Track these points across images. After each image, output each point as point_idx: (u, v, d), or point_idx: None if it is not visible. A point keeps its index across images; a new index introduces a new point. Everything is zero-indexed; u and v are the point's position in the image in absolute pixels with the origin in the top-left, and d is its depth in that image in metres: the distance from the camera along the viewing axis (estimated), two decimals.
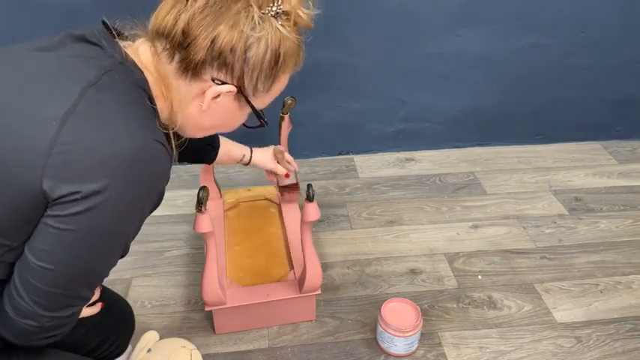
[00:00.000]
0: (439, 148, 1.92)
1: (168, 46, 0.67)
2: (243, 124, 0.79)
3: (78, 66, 0.66)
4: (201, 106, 0.71)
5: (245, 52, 0.66)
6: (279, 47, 0.68)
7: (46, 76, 0.65)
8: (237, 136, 1.57)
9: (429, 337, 1.21)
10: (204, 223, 1.02)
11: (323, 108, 1.77)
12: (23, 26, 1.48)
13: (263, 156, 1.28)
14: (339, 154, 1.90)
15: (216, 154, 1.18)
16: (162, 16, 0.66)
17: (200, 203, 0.99)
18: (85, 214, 0.60)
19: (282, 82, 0.74)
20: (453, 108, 1.83)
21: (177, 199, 1.67)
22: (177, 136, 0.78)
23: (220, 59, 0.66)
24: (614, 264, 1.42)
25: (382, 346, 1.18)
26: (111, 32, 0.70)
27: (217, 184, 1.45)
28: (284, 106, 1.31)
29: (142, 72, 0.69)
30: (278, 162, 1.31)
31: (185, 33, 0.65)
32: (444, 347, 1.19)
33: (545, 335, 1.22)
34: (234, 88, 0.69)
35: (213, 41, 0.65)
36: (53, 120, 0.60)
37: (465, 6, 1.61)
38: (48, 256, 0.63)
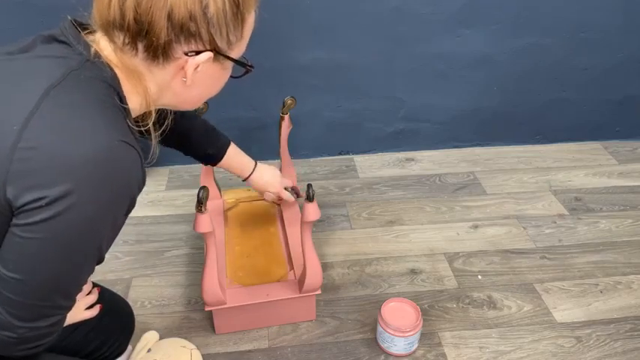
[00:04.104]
0: (439, 148, 1.92)
1: (127, 40, 0.64)
2: (231, 76, 0.76)
3: (43, 67, 0.64)
4: (185, 81, 0.69)
5: (204, 13, 0.63)
6: None
7: (10, 80, 0.63)
8: (238, 137, 1.56)
9: (429, 337, 1.21)
10: (205, 223, 1.02)
11: (323, 108, 1.77)
12: (24, 26, 1.48)
13: (270, 175, 1.26)
14: (339, 154, 1.90)
15: (225, 152, 1.17)
16: (106, 8, 0.62)
17: (200, 203, 0.99)
18: (51, 221, 0.58)
19: (250, 22, 0.70)
20: (453, 108, 1.83)
21: (177, 199, 1.67)
22: (161, 119, 0.76)
23: (184, 32, 0.63)
24: (614, 264, 1.42)
25: (382, 346, 1.18)
26: (78, 29, 0.67)
27: (217, 184, 1.46)
28: (284, 106, 1.31)
29: (111, 68, 0.66)
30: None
31: (138, 21, 0.62)
32: (444, 347, 1.19)
33: (545, 335, 1.22)
34: (210, 54, 0.66)
35: (169, 17, 0.61)
36: (14, 124, 0.58)
37: (465, 6, 1.61)
38: (17, 266, 0.61)
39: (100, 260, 0.68)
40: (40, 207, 0.57)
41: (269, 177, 1.27)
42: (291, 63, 1.66)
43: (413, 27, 1.64)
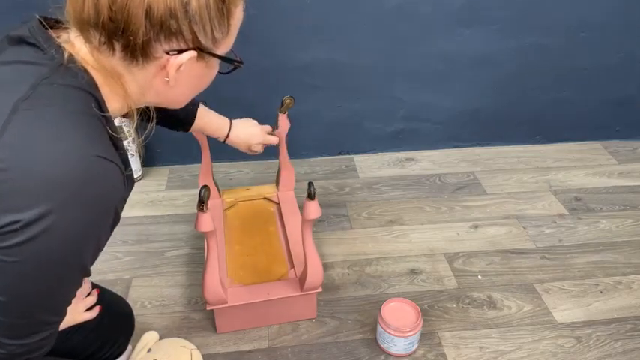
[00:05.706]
0: (439, 148, 1.92)
1: (103, 39, 0.59)
2: (219, 72, 0.71)
3: (12, 75, 0.59)
4: (167, 81, 0.64)
5: (186, 10, 0.58)
6: None
7: None
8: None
9: (429, 337, 1.21)
10: (206, 222, 1.02)
11: (323, 108, 1.77)
12: None
13: (248, 127, 1.20)
14: (339, 154, 1.90)
15: (195, 114, 1.10)
16: (80, 4, 0.58)
17: (202, 202, 0.99)
18: (28, 244, 0.55)
19: (238, 16, 0.65)
20: (453, 108, 1.83)
21: (177, 199, 1.67)
22: (147, 115, 0.72)
23: (164, 30, 0.58)
24: (614, 264, 1.42)
25: (382, 346, 1.18)
26: (47, 28, 0.63)
27: (216, 184, 1.46)
28: (282, 105, 1.31)
29: (87, 72, 0.61)
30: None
31: (113, 18, 0.57)
32: (444, 347, 1.19)
33: (545, 335, 1.22)
34: (193, 53, 0.61)
35: (147, 15, 0.57)
36: None
37: (465, 6, 1.61)
38: None
39: (86, 274, 0.65)
40: (15, 230, 0.54)
41: (248, 130, 1.21)
42: (291, 63, 1.66)
43: (413, 27, 1.64)
